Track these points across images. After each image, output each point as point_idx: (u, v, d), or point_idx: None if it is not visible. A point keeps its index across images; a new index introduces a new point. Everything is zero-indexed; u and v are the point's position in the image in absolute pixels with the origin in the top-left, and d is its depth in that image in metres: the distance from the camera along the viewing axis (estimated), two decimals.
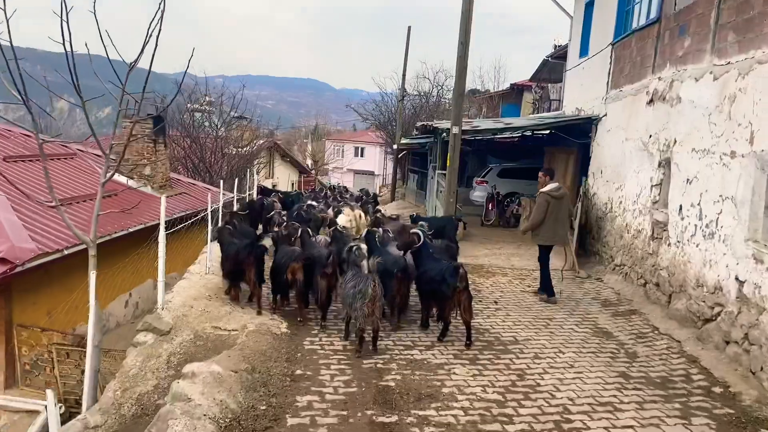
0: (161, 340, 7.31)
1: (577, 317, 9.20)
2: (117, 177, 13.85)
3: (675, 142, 9.31)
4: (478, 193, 20.38)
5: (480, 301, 9.92)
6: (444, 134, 14.96)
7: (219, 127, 22.88)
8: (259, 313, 8.22)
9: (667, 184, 9.65)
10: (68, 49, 6.93)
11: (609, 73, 13.54)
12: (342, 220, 12.48)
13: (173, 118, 22.09)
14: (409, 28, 27.84)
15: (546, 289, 10.10)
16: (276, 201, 14.19)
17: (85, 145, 14.22)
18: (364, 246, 8.18)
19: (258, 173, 25.34)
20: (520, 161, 22.26)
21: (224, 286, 8.96)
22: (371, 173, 65.68)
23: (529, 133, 23.65)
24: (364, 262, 7.66)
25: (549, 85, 33.91)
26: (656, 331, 8.47)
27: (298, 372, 6.45)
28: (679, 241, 8.85)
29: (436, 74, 37.05)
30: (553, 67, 33.06)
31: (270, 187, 27.24)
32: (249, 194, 15.62)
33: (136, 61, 7.58)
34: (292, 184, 35.28)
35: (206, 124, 22.94)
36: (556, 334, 8.31)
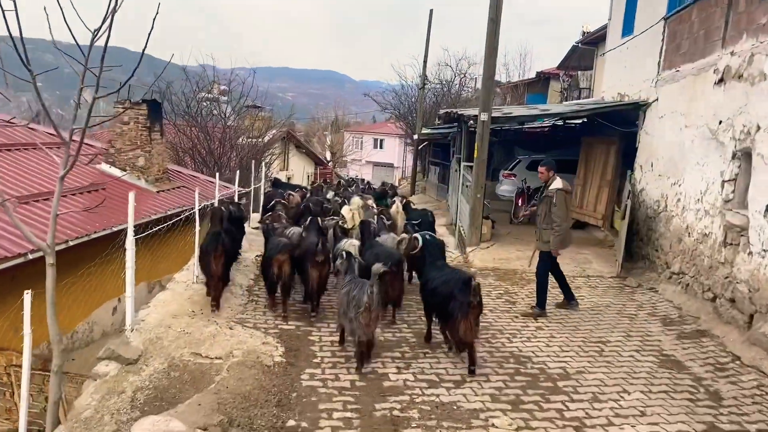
0: (127, 371, 5.90)
1: (636, 340, 7.62)
2: (108, 169, 12.53)
3: (758, 128, 7.65)
4: (506, 187, 18.76)
5: (516, 317, 8.39)
6: (471, 122, 13.38)
7: (227, 115, 21.46)
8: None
9: (746, 179, 8.00)
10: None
11: (661, 52, 11.84)
12: (345, 211, 11.88)
13: (179, 106, 20.77)
14: (431, 11, 26.17)
15: (541, 302, 8.55)
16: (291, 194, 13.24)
17: (95, 137, 12.91)
18: (353, 246, 7.59)
19: (270, 165, 23.96)
20: (550, 153, 20.57)
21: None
22: (390, 165, 64.30)
23: (560, 122, 22.07)
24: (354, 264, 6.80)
25: (579, 72, 32.08)
26: (737, 362, 6.85)
27: (291, 423, 4.98)
28: (765, 250, 7.21)
29: (458, 61, 35.35)
30: (583, 54, 31.30)
31: (284, 180, 25.89)
32: (252, 188, 14.19)
33: (97, 30, 6.13)
34: (308, 176, 33.88)
35: (214, 112, 21.51)
36: (615, 364, 6.75)
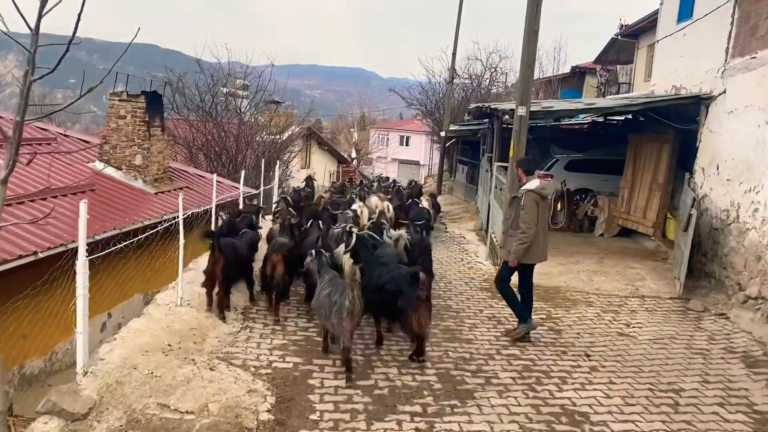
0: (72, 431, 4.62)
1: (716, 387, 6.09)
2: (102, 168, 11.35)
3: None
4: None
5: (565, 352, 6.91)
6: (506, 117, 11.88)
7: (242, 111, 20.20)
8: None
9: None
10: None
11: (729, 37, 10.23)
12: (356, 207, 11.53)
13: (192, 100, 19.58)
14: (461, 1, 24.59)
15: (520, 316, 7.28)
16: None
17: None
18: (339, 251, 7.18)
19: (289, 163, 22.72)
20: (589, 151, 18.93)
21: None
22: (416, 163, 62.97)
23: (601, 118, 20.39)
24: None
25: (617, 66, 30.27)
26: None
27: None
28: None
29: (489, 55, 33.66)
30: (622, 47, 29.48)
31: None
32: (262, 189, 12.90)
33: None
34: (330, 174, 32.60)
35: (230, 107, 20.27)
36: (697, 425, 5.25)
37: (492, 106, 13.19)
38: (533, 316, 7.50)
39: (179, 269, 6.93)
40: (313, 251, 6.58)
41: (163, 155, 11.93)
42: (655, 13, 23.55)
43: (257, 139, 20.78)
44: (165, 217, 8.75)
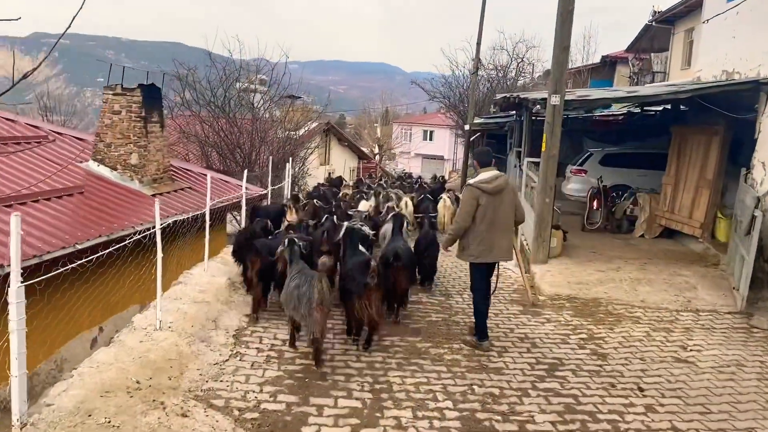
0: None
1: None
2: (96, 167, 10.49)
3: None
4: (574, 186, 15.91)
5: (613, 385, 5.78)
6: (537, 107, 10.71)
7: (256, 106, 19.27)
8: None
9: None
10: None
11: None
12: (363, 206, 11.63)
13: (203, 95, 18.70)
14: None
15: (479, 328, 6.68)
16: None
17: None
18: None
19: (305, 160, 21.77)
20: (624, 145, 17.62)
21: None
22: (440, 158, 61.89)
23: (637, 109, 19.06)
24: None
25: (651, 55, 28.73)
26: None
27: None
28: None
29: (515, 45, 32.28)
30: (656, 34, 27.98)
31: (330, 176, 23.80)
32: (269, 189, 11.92)
33: None
34: (350, 171, 31.59)
35: (243, 102, 19.36)
36: None
37: (521, 96, 12.03)
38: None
39: (158, 287, 5.94)
40: (287, 240, 6.54)
41: (162, 153, 11.00)
42: None
43: (272, 135, 19.82)
44: (138, 228, 7.75)
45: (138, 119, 10.44)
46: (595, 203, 13.25)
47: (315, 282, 5.72)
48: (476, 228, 6.37)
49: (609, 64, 33.92)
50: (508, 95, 13.28)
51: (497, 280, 7.02)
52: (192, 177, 12.14)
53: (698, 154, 11.83)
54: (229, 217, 14.88)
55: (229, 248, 9.57)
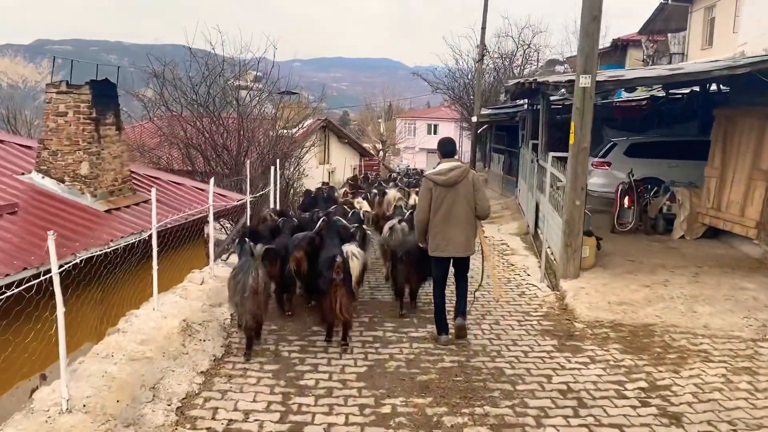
0: None
1: None
2: (41, 180, 8.86)
3: None
4: (598, 180, 14.14)
5: None
6: (562, 91, 8.99)
7: (240, 103, 17.56)
8: None
9: None
10: None
11: None
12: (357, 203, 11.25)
13: (186, 93, 17.03)
14: None
15: (438, 322, 6.58)
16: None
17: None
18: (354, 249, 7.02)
19: (300, 160, 20.11)
20: (648, 132, 15.88)
21: None
22: None
23: (661, 93, 17.30)
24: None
25: (669, 35, 26.92)
26: None
27: None
28: None
29: (521, 31, 30.48)
30: (671, 14, 26.25)
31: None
32: (248, 198, 10.21)
33: None
34: (352, 169, 29.91)
35: (228, 100, 17.68)
36: None
37: (539, 80, 10.31)
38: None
39: (60, 352, 4.28)
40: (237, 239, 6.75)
41: (120, 161, 9.36)
42: None
43: (263, 134, 18.17)
44: (31, 271, 6.07)
45: (88, 121, 8.83)
46: (626, 201, 11.52)
47: (251, 269, 5.82)
48: (432, 220, 6.31)
49: (621, 48, 32.11)
50: (522, 80, 11.58)
51: (481, 280, 7.15)
52: (161, 186, 10.50)
53: (750, 141, 10.10)
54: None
55: (209, 269, 7.98)
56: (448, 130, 60.98)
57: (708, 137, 13.42)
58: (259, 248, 6.16)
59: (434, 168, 6.48)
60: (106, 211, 8.66)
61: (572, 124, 8.29)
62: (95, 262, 6.44)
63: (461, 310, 6.51)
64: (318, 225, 7.67)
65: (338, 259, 6.09)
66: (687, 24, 25.02)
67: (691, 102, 16.53)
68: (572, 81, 8.37)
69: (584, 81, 7.96)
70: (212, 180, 8.21)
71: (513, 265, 10.19)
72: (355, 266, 6.86)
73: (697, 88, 15.73)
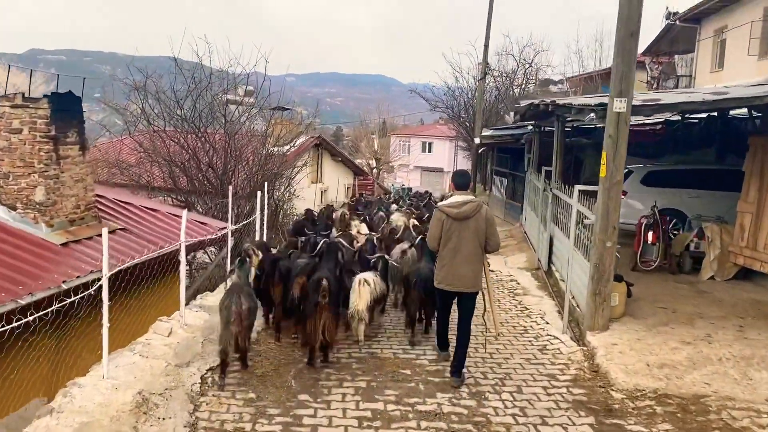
0: None
1: None
2: None
3: None
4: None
5: None
6: (591, 116, 7.89)
7: (228, 120, 16.42)
8: None
9: None
10: None
11: None
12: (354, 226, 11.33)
13: (170, 107, 15.86)
14: None
15: (440, 340, 6.86)
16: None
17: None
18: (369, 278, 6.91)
19: (292, 180, 18.94)
20: (662, 159, 14.88)
21: None
22: (440, 170, 59.81)
23: (676, 117, 16.33)
24: None
25: (676, 57, 26.15)
26: None
27: None
28: None
29: (522, 49, 29.60)
30: (678, 36, 25.46)
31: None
32: (230, 228, 9.05)
33: None
34: (345, 188, 28.78)
35: (217, 114, 16.53)
36: None
37: (559, 103, 9.25)
38: None
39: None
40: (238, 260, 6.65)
41: (84, 185, 8.17)
42: None
43: (251, 152, 17.02)
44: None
45: (45, 140, 7.66)
46: (650, 236, 10.43)
47: (234, 296, 5.96)
48: (440, 252, 6.26)
49: None
50: (537, 101, 10.53)
51: (492, 321, 6.69)
52: (132, 214, 9.32)
53: None
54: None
55: (179, 315, 6.82)
56: (442, 148, 60.21)
57: (731, 166, 12.43)
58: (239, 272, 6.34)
59: (447, 199, 6.48)
60: (63, 245, 7.46)
61: (604, 154, 7.22)
62: (43, 307, 5.30)
63: (459, 366, 6.21)
64: (318, 248, 7.61)
65: (324, 282, 6.19)
66: (695, 46, 24.26)
67: (708, 127, 15.59)
68: (603, 105, 7.33)
69: (619, 105, 6.90)
70: (184, 212, 7.02)
71: (527, 309, 9.05)
72: (365, 292, 6.76)
73: (714, 113, 14.80)
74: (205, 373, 6.01)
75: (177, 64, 16.05)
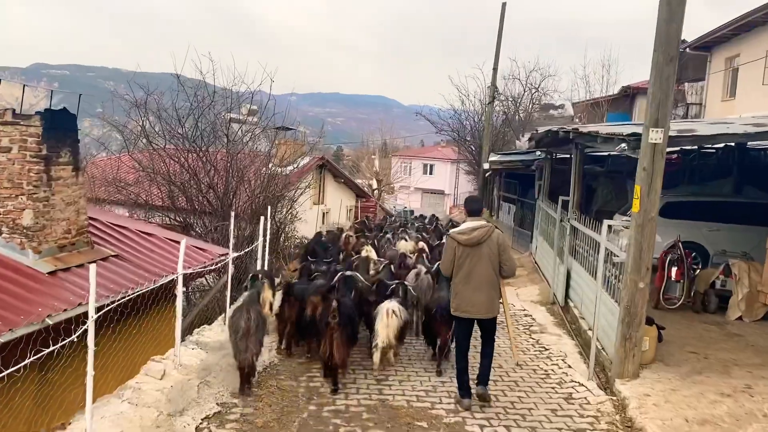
0: None
1: None
2: None
3: None
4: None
5: None
6: (622, 146, 7.34)
7: (232, 138, 15.95)
8: None
9: None
10: None
11: None
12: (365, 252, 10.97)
13: (171, 125, 15.37)
14: (504, 4, 20.26)
15: (461, 385, 6.34)
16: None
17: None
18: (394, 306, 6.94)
19: (294, 202, 18.42)
20: (677, 189, 14.37)
21: None
22: (441, 192, 59.52)
23: (691, 146, 15.85)
24: None
25: (686, 85, 25.81)
26: None
27: None
28: None
29: (528, 74, 29.29)
30: (689, 62, 25.12)
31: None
32: (231, 255, 8.50)
33: None
34: (347, 210, 28.26)
35: (219, 134, 16.05)
36: None
37: (582, 130, 8.77)
38: None
39: None
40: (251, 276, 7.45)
41: (76, 208, 7.62)
42: (738, 20, 19.26)
43: (254, 172, 16.51)
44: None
45: (36, 160, 7.12)
46: (674, 272, 9.88)
47: (243, 312, 6.22)
48: (454, 280, 6.27)
49: (631, 95, 31.08)
50: (555, 128, 10.04)
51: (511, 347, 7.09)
52: (127, 239, 8.76)
53: None
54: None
55: (174, 355, 6.25)
56: (444, 170, 59.92)
57: (754, 199, 11.95)
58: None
59: (458, 227, 6.46)
60: (50, 273, 6.90)
61: (637, 188, 6.70)
62: (24, 343, 4.76)
63: (485, 376, 6.37)
64: (336, 278, 7.91)
65: (333, 304, 6.33)
66: (706, 74, 23.96)
67: (725, 158, 15.13)
68: (637, 135, 6.82)
69: (655, 136, 6.40)
70: (183, 241, 6.48)
71: (547, 349, 8.46)
72: (393, 324, 6.80)
73: (732, 143, 14.35)
74: (201, 423, 5.42)
75: (180, 81, 15.59)
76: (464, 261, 6.13)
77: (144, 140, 15.46)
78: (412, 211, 38.19)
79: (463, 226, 6.32)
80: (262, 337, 6.46)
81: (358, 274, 8.25)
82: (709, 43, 22.67)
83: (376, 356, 6.86)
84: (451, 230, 6.58)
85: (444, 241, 12.80)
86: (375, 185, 47.38)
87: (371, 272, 9.60)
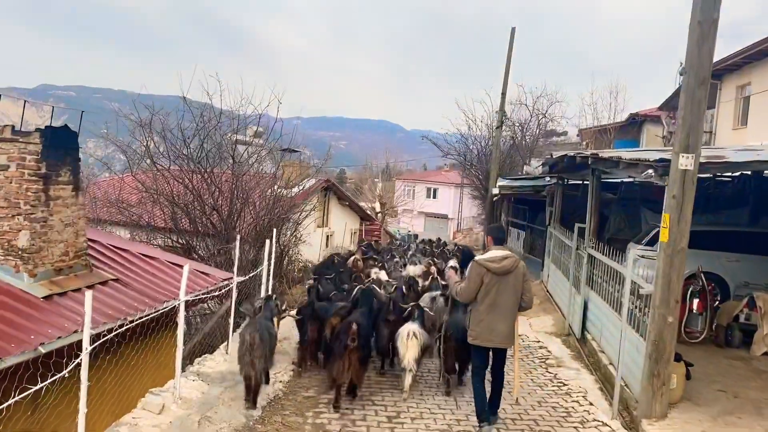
0: None
1: None
2: None
3: None
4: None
5: None
6: (649, 172, 6.99)
7: (238, 160, 15.68)
8: None
9: None
10: None
11: None
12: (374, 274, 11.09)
13: (176, 145, 15.10)
14: (513, 29, 20.16)
15: (480, 413, 6.25)
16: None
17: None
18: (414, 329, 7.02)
19: (299, 225, 18.11)
20: (695, 218, 13.97)
21: None
22: (444, 216, 59.26)
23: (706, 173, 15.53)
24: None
25: None
26: None
27: None
28: None
29: (536, 99, 29.15)
30: None
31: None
32: (235, 279, 8.17)
33: None
34: (351, 233, 27.91)
35: (224, 156, 15.80)
36: None
37: (601, 156, 8.46)
38: None
39: None
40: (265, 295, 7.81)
41: (75, 230, 7.29)
42: (749, 48, 19.09)
43: (258, 194, 16.23)
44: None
45: (35, 178, 6.81)
46: (696, 304, 9.48)
47: (250, 329, 6.38)
48: (477, 307, 6.19)
49: (638, 123, 30.94)
50: (572, 153, 9.73)
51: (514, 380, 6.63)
52: (128, 262, 8.40)
53: None
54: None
55: (173, 387, 5.85)
56: (447, 194, 59.73)
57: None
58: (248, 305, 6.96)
59: (485, 254, 6.36)
60: (46, 298, 6.54)
61: (666, 217, 6.36)
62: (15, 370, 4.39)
63: (495, 407, 6.46)
64: (353, 295, 8.42)
65: (353, 326, 6.41)
66: (716, 101, 23.75)
67: (741, 186, 14.80)
68: (665, 161, 6.49)
69: (686, 162, 6.08)
70: (186, 265, 6.13)
71: (565, 384, 8.03)
72: (413, 345, 6.86)
73: (748, 171, 14.02)
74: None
75: (186, 102, 15.38)
76: (491, 289, 6.09)
77: (148, 161, 15.16)
78: (416, 235, 37.84)
79: (491, 254, 6.25)
80: (268, 352, 6.61)
81: (375, 287, 8.62)
82: (719, 71, 22.45)
83: (407, 381, 6.86)
84: (478, 257, 6.48)
85: (450, 264, 12.57)
86: (378, 208, 47.13)
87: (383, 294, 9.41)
